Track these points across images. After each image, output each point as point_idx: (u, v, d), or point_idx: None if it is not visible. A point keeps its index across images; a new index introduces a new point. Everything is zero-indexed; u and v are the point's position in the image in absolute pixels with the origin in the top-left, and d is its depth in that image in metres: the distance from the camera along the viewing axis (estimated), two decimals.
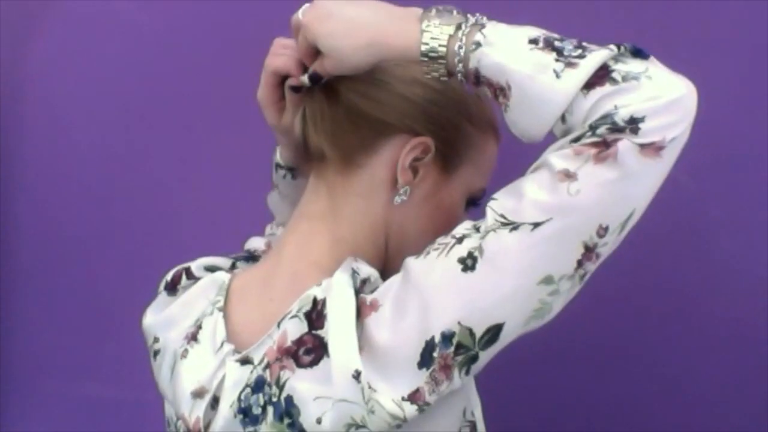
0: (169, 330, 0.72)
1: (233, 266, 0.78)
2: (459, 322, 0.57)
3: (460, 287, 0.57)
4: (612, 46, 0.57)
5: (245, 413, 0.63)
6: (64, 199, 1.26)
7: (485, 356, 0.59)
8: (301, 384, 0.60)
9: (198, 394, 0.66)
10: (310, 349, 0.61)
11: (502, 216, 0.58)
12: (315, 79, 0.68)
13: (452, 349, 0.57)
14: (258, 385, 0.62)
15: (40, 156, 1.26)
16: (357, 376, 0.58)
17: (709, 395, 1.07)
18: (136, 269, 1.25)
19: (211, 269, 0.75)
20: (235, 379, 0.64)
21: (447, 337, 0.57)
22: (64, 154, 1.25)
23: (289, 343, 0.62)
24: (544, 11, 1.03)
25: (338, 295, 0.61)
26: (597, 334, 1.07)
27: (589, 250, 0.57)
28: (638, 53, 0.58)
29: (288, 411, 0.60)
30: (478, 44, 0.59)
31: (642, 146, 0.54)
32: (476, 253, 0.57)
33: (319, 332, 0.61)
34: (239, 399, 0.63)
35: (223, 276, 0.73)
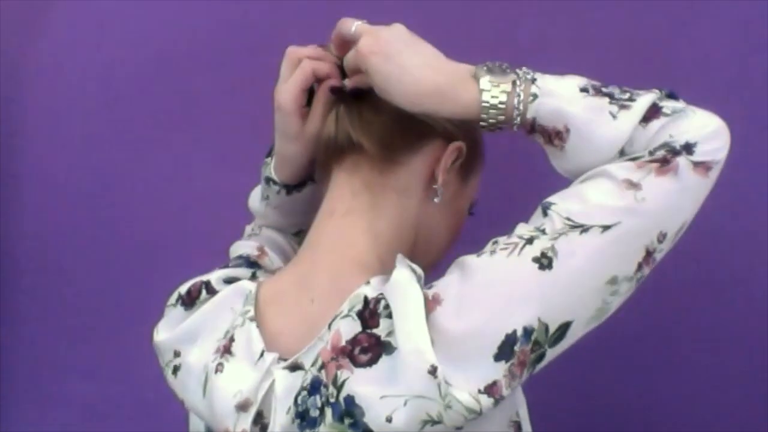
0: (192, 344, 0.70)
1: (254, 276, 0.77)
2: (539, 318, 0.59)
3: (540, 284, 0.60)
4: (655, 90, 0.65)
5: (303, 417, 0.62)
6: (64, 200, 1.26)
7: (550, 354, 0.61)
8: (362, 384, 0.60)
9: (242, 407, 0.65)
10: (366, 348, 0.61)
11: (569, 219, 0.61)
12: (357, 93, 0.71)
13: (530, 345, 0.60)
14: (314, 387, 0.62)
15: (39, 156, 1.25)
16: (433, 371, 0.58)
17: (709, 395, 1.07)
18: (135, 270, 1.25)
19: (231, 281, 0.73)
20: (287, 385, 0.64)
21: (528, 332, 0.59)
22: (64, 154, 1.25)
23: (343, 343, 0.62)
24: (544, 12, 1.03)
25: (403, 291, 0.62)
26: (598, 334, 1.07)
27: (649, 254, 0.62)
28: (672, 95, 0.65)
29: (349, 411, 0.60)
30: (535, 96, 0.64)
31: (695, 164, 0.61)
32: (550, 254, 0.60)
33: (375, 331, 0.61)
34: (296, 403, 0.63)
35: (248, 285, 0.71)
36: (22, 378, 1.32)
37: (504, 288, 0.60)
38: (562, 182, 0.66)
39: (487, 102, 0.64)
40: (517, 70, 0.66)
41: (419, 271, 0.65)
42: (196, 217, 1.21)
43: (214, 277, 0.74)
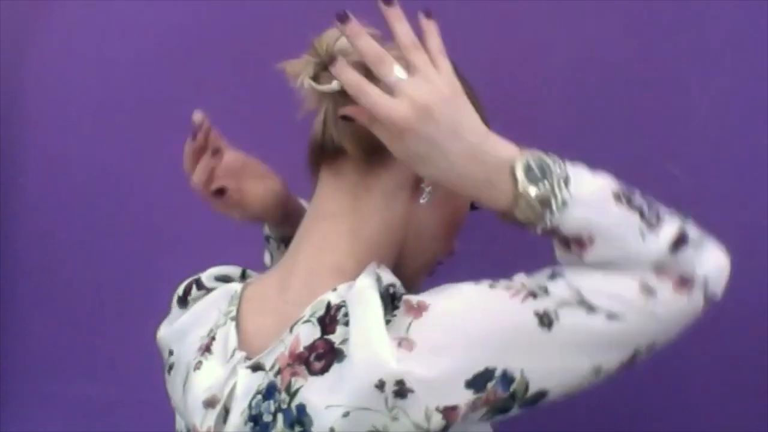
0: (181, 342, 0.72)
1: (243, 274, 0.77)
2: (522, 371, 0.58)
3: (535, 340, 0.59)
4: (675, 214, 0.64)
5: (256, 421, 0.62)
6: (63, 200, 1.26)
7: (514, 413, 0.60)
8: (314, 393, 0.59)
9: (210, 404, 0.65)
10: (321, 355, 0.60)
11: (579, 293, 0.60)
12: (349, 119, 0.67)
13: (508, 393, 0.58)
14: (269, 392, 0.62)
15: (39, 156, 1.26)
16: (381, 386, 0.57)
17: (709, 395, 1.07)
18: (135, 270, 1.25)
19: (223, 279, 0.74)
20: (246, 385, 0.63)
21: (507, 379, 0.58)
22: (64, 155, 1.25)
23: (301, 349, 0.61)
24: (542, 11, 1.03)
25: (363, 299, 0.61)
26: None
27: (632, 358, 0.61)
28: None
29: (300, 419, 0.59)
30: (565, 203, 0.60)
31: (705, 295, 0.62)
32: (552, 317, 0.59)
33: (331, 337, 0.60)
34: (250, 406, 0.62)
35: (235, 286, 0.72)
36: (22, 378, 1.32)
37: (496, 324, 0.59)
38: None
39: (522, 209, 0.60)
40: (556, 168, 0.61)
41: (388, 281, 0.63)
42: (197, 217, 1.21)
43: (206, 274, 0.75)
